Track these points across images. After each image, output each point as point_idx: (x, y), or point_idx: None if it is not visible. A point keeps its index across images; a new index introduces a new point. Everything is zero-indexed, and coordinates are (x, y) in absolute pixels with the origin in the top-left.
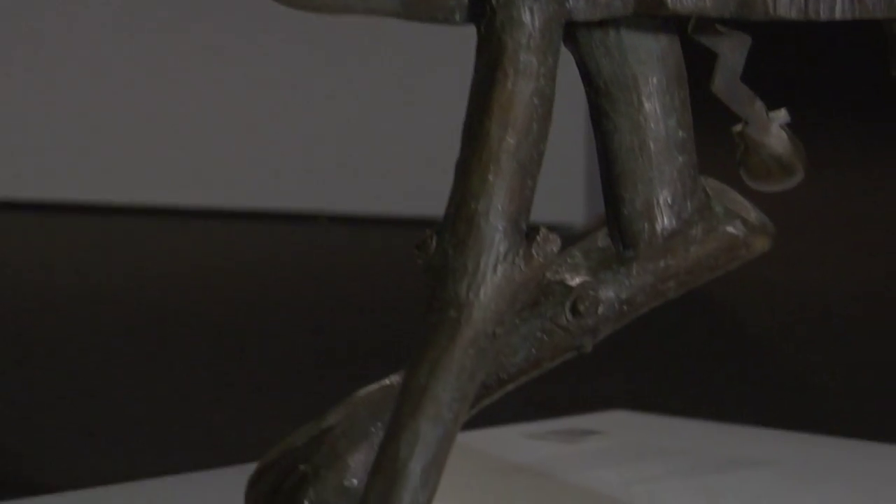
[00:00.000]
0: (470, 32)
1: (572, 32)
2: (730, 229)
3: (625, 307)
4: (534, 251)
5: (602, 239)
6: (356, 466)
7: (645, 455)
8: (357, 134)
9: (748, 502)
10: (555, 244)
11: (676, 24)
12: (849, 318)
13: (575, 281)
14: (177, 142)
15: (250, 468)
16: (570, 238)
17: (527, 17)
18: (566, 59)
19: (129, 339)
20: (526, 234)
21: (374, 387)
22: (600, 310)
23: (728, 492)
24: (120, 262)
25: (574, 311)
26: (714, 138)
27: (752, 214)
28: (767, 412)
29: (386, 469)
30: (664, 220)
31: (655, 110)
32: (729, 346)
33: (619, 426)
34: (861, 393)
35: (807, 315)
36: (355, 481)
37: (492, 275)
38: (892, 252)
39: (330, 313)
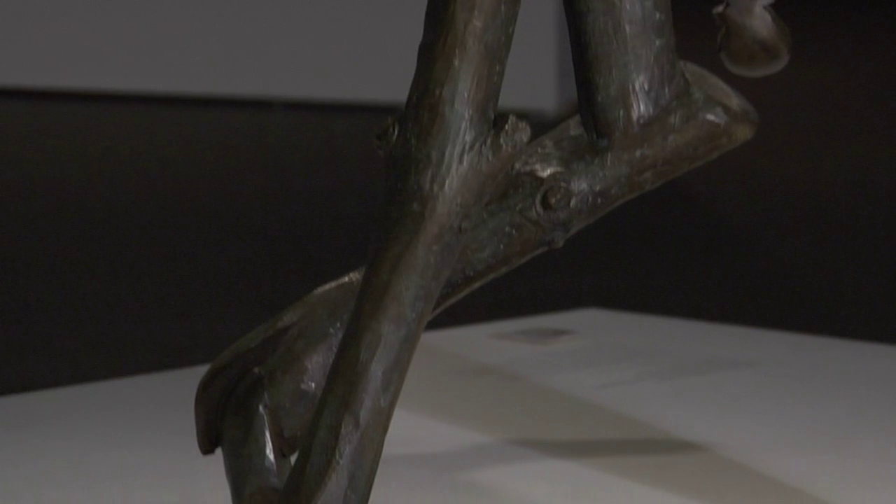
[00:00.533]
0: None
1: None
2: (710, 117)
3: (598, 200)
4: (502, 140)
5: (575, 127)
6: (314, 369)
7: (619, 356)
8: (315, 17)
9: (728, 404)
10: (524, 133)
11: None
12: (834, 210)
13: (546, 172)
14: (131, 28)
15: (201, 371)
16: (540, 126)
17: None
18: None
19: (71, 231)
20: (494, 122)
21: (332, 284)
22: (572, 202)
23: (707, 393)
24: (70, 149)
25: (545, 203)
26: (694, 21)
27: (734, 101)
28: (748, 310)
29: (345, 372)
30: (640, 108)
31: None
32: (708, 241)
33: (592, 325)
34: (845, 290)
35: (790, 208)
36: (313, 385)
37: (457, 165)
38: (879, 141)
39: (285, 205)
